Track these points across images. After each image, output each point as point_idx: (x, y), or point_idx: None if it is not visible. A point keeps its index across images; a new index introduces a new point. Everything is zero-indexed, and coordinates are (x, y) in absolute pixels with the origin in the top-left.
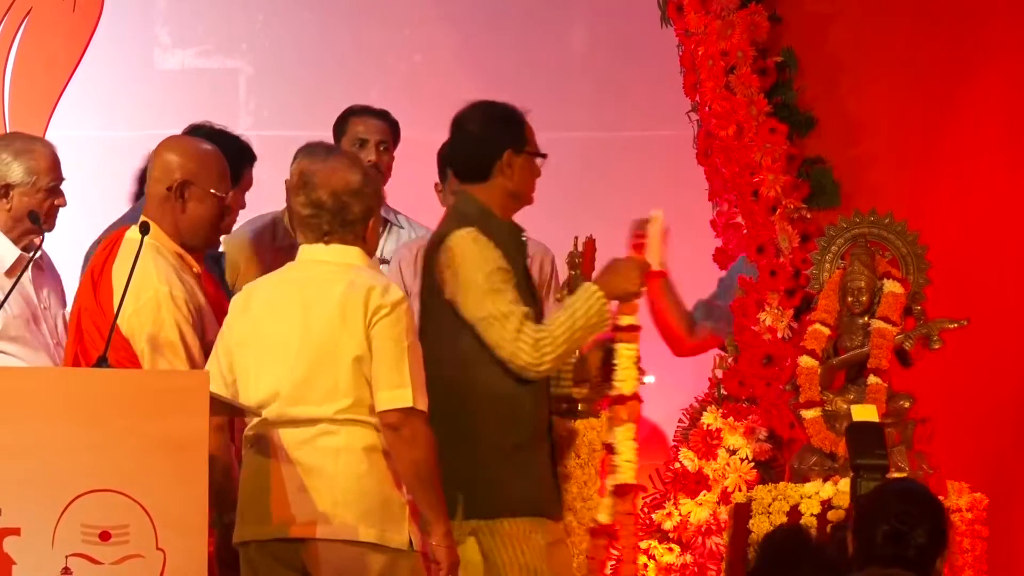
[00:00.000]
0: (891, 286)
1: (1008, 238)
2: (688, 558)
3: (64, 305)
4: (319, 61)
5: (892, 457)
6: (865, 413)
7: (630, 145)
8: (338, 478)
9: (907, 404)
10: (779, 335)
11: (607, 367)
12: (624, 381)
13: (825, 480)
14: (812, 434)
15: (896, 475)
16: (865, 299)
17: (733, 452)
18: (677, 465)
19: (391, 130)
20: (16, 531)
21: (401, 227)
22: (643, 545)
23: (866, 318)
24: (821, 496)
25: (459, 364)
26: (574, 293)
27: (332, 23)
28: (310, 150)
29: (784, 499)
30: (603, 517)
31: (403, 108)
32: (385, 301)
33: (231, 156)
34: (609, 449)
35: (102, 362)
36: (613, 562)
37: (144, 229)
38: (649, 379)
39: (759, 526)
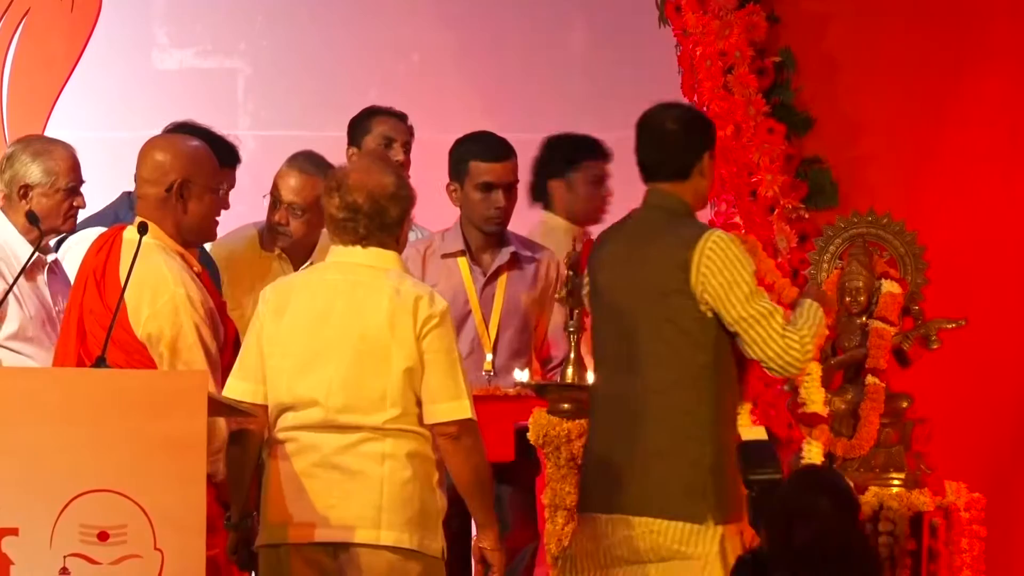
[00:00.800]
0: (889, 286)
1: (1006, 238)
2: None
3: None
4: (317, 61)
5: (891, 457)
6: (753, 433)
7: (628, 145)
8: (384, 483)
9: (905, 404)
10: None
11: None
12: (814, 402)
13: None
14: None
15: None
16: (863, 299)
17: None
18: None
19: (410, 131)
20: (14, 531)
21: (411, 230)
22: None
23: (864, 318)
24: None
25: (692, 366)
26: (796, 308)
27: (331, 23)
28: (295, 158)
29: None
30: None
31: (400, 107)
32: (434, 311)
33: (223, 163)
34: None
35: (101, 362)
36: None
37: (142, 229)
38: None
39: None
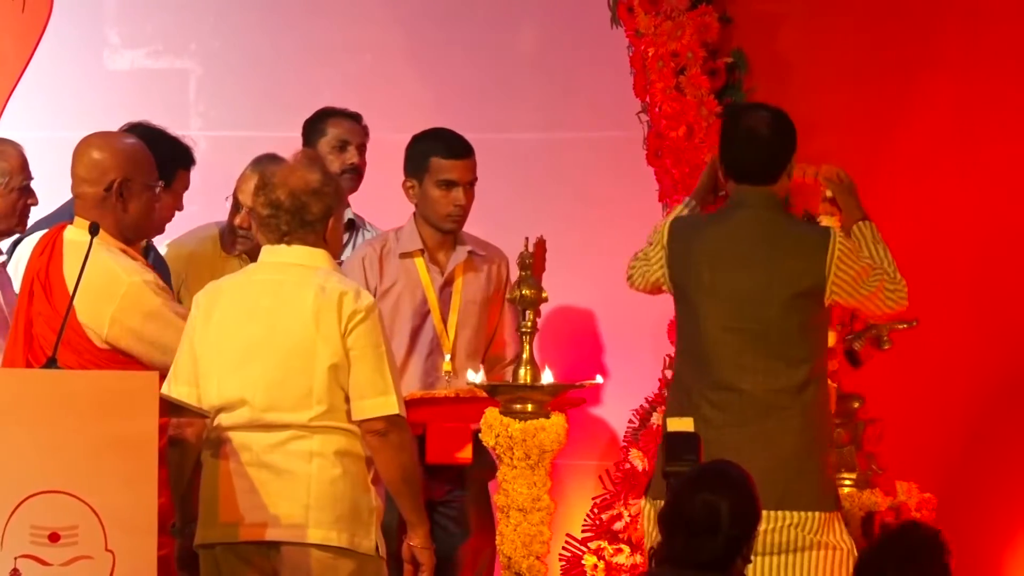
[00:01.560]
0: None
1: (957, 239)
2: (639, 558)
3: None
4: (269, 62)
5: (842, 457)
6: (681, 424)
7: (580, 146)
8: (311, 482)
9: (857, 404)
10: None
11: None
12: None
13: None
14: None
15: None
16: None
17: None
18: (627, 466)
19: (365, 132)
20: None
21: (368, 230)
22: (592, 546)
23: None
24: None
25: (820, 362)
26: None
27: (282, 23)
28: (260, 161)
29: None
30: None
31: (354, 108)
32: (359, 307)
33: (166, 157)
34: None
35: (51, 363)
36: None
37: (94, 230)
38: (598, 380)
39: None
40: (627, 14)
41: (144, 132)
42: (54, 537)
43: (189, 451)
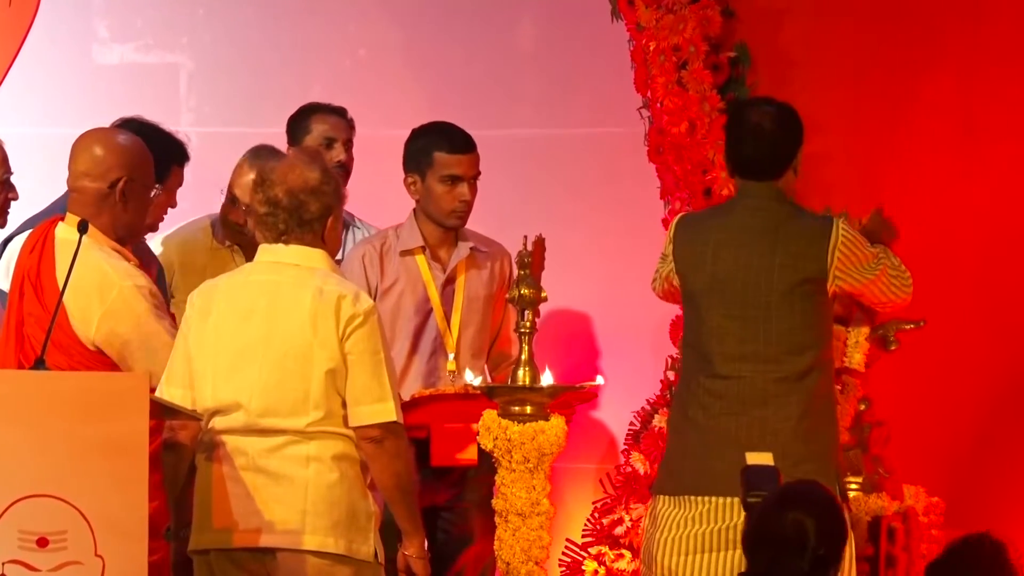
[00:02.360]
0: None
1: (963, 237)
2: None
3: None
4: (261, 56)
5: (848, 460)
6: (759, 458)
7: (580, 142)
8: (308, 487)
9: (863, 407)
10: None
11: None
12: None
13: None
14: None
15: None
16: None
17: None
18: (628, 469)
19: (351, 128)
20: None
21: (358, 227)
22: (593, 551)
23: None
24: None
25: (825, 351)
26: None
27: (275, 17)
28: (257, 153)
29: None
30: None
31: (348, 105)
32: (358, 311)
33: (160, 153)
34: None
35: (40, 364)
36: None
37: (82, 228)
38: (598, 381)
39: None
40: (628, 8)
41: (138, 128)
42: (42, 542)
43: (184, 454)
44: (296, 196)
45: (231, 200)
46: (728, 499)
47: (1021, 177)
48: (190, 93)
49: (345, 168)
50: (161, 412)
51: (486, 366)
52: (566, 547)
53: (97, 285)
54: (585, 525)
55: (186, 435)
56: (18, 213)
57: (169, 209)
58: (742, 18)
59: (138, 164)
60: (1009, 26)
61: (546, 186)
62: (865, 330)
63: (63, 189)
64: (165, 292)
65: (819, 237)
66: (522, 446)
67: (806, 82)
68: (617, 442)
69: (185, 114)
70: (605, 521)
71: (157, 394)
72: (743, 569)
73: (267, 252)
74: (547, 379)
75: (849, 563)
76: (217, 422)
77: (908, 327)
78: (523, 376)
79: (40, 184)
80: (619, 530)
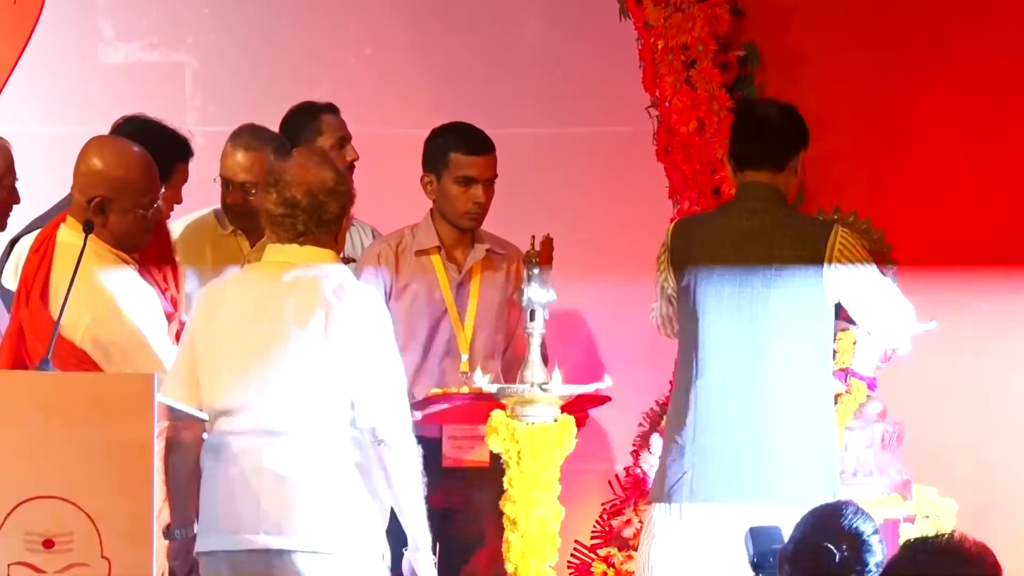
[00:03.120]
0: None
1: (972, 237)
2: None
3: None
4: (267, 55)
5: (860, 461)
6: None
7: (588, 141)
8: (315, 488)
9: (876, 408)
10: None
11: None
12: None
13: None
14: None
15: None
16: None
17: None
18: (637, 471)
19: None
20: None
21: (352, 224)
22: (602, 553)
23: None
24: None
25: (823, 358)
26: None
27: (280, 16)
28: (237, 133)
29: None
30: None
31: (353, 103)
32: (366, 311)
33: (164, 150)
34: None
35: (45, 364)
36: None
37: (88, 228)
38: (607, 382)
39: None
40: (636, 6)
41: (141, 124)
42: (48, 544)
43: (187, 454)
44: (315, 197)
45: (225, 185)
46: (724, 505)
47: None
48: (195, 92)
49: (352, 168)
50: (165, 413)
51: (500, 369)
52: (575, 549)
53: (88, 292)
54: (594, 527)
55: (189, 435)
56: (23, 212)
57: (175, 205)
58: (751, 17)
59: (124, 185)
60: (1019, 25)
61: (553, 185)
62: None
63: (68, 189)
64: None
65: (817, 241)
66: (530, 447)
67: (815, 81)
68: (626, 443)
69: (190, 113)
70: (614, 523)
71: (161, 393)
72: None
73: (276, 252)
74: (556, 380)
75: None
76: (223, 423)
77: (920, 329)
78: (531, 376)
79: (44, 184)
80: (628, 532)
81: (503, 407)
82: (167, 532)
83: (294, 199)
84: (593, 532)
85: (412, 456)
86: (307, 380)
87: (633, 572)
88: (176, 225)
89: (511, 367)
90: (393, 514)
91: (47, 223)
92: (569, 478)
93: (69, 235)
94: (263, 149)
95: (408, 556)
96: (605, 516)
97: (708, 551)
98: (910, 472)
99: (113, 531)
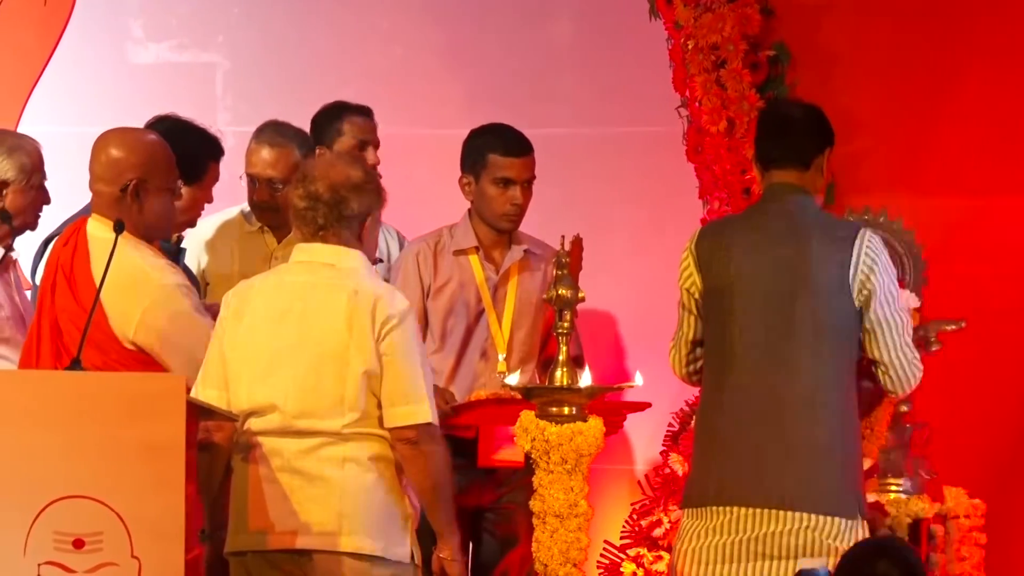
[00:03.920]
0: None
1: (1004, 236)
2: None
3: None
4: (297, 54)
5: (889, 462)
6: (811, 562)
7: (618, 142)
8: (345, 488)
9: (904, 408)
10: None
11: None
12: None
13: None
14: None
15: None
16: None
17: None
18: (667, 470)
19: (376, 128)
20: None
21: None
22: (632, 553)
23: None
24: None
25: (847, 363)
26: None
27: (311, 15)
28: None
29: None
30: None
31: (383, 103)
32: (393, 312)
33: (196, 149)
34: None
35: (75, 364)
36: None
37: (119, 227)
38: (638, 381)
39: None
40: (666, 6)
41: (172, 125)
42: (78, 543)
43: (219, 455)
44: (337, 191)
45: (252, 182)
46: (749, 509)
47: None
48: (226, 92)
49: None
50: (197, 413)
51: (536, 370)
52: (604, 549)
53: (135, 284)
54: (623, 527)
55: (221, 436)
56: (54, 213)
57: (206, 205)
58: (781, 16)
59: (152, 165)
60: None
61: (583, 186)
62: None
63: None
64: (196, 283)
65: (844, 242)
66: (560, 447)
67: (845, 80)
68: (656, 443)
69: (221, 113)
70: (643, 523)
71: (192, 395)
72: None
73: (302, 252)
74: (586, 379)
75: None
76: (253, 424)
77: (950, 328)
78: (561, 377)
79: (75, 184)
80: (657, 532)
81: (534, 407)
82: (201, 534)
83: (316, 193)
84: (623, 532)
85: (440, 456)
86: (333, 380)
87: (663, 573)
88: (203, 223)
89: (547, 368)
90: (424, 514)
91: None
92: (598, 478)
93: (100, 230)
94: (288, 145)
95: (436, 555)
96: (635, 516)
97: (735, 557)
98: (937, 472)
99: (143, 531)
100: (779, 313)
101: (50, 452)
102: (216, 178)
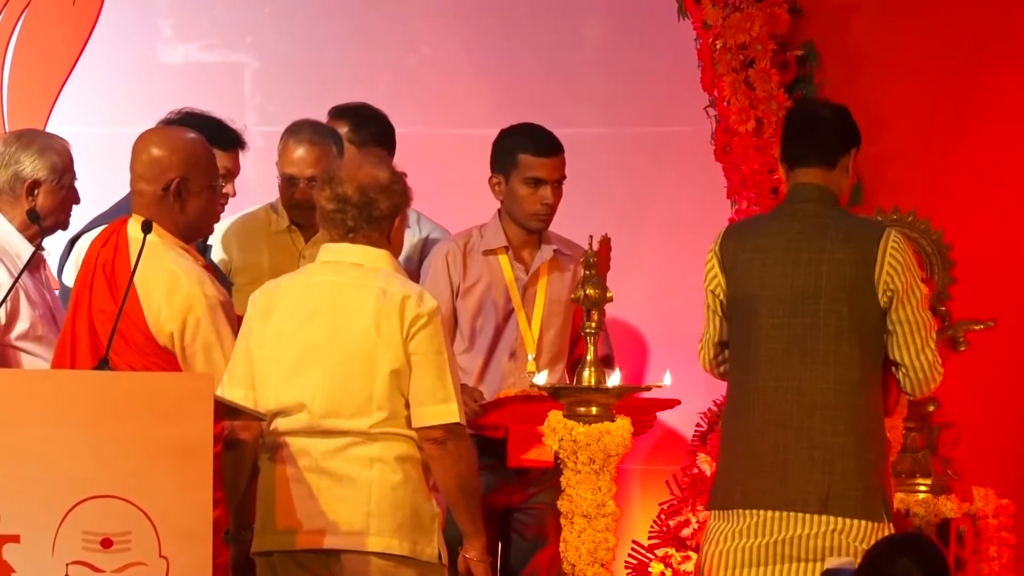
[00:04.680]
0: None
1: None
2: None
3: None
4: (326, 55)
5: (917, 462)
6: (837, 562)
7: (646, 141)
8: (373, 488)
9: (932, 408)
10: None
11: None
12: None
13: None
14: None
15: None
16: None
17: None
18: (695, 470)
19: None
20: (15, 538)
21: (408, 225)
22: (660, 553)
23: None
24: None
25: (873, 364)
26: None
27: (339, 15)
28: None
29: None
30: None
31: (411, 103)
32: (422, 311)
33: (216, 144)
34: None
35: (103, 364)
36: None
37: (147, 228)
38: (666, 381)
39: None
40: (694, 6)
41: (188, 118)
42: (107, 543)
43: (245, 455)
44: (366, 193)
45: (289, 182)
46: (774, 512)
47: None
48: (255, 92)
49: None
50: (224, 412)
51: (566, 370)
52: (632, 549)
53: (169, 288)
54: (651, 527)
55: (248, 435)
56: (84, 212)
57: (230, 199)
58: (809, 16)
59: (194, 163)
60: None
61: (612, 185)
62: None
63: (128, 189)
64: (223, 279)
65: (869, 243)
66: (588, 447)
67: (874, 80)
68: (684, 443)
69: (250, 113)
70: (671, 523)
71: (218, 394)
72: None
73: (330, 252)
74: (614, 379)
75: None
76: (280, 423)
77: (978, 328)
78: (588, 377)
79: (105, 184)
80: (686, 532)
81: (562, 407)
82: (225, 535)
83: (345, 195)
84: (651, 532)
85: (467, 456)
86: (361, 380)
87: (690, 573)
88: (229, 220)
89: (576, 368)
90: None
91: (108, 222)
92: (626, 478)
93: (139, 231)
94: (327, 143)
95: (463, 555)
96: (663, 516)
97: (763, 560)
98: (965, 472)
99: (171, 530)
100: (803, 314)
101: (78, 452)
102: (237, 170)
